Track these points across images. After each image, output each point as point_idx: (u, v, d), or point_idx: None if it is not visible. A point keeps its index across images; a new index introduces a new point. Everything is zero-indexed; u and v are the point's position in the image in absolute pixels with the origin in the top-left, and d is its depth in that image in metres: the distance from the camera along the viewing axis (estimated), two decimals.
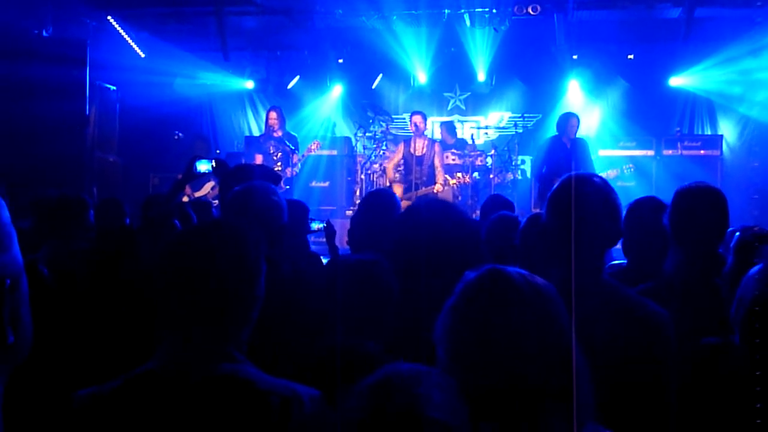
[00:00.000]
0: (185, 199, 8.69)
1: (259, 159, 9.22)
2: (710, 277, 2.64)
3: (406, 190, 9.41)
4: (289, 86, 12.68)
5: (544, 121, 12.13)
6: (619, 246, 3.40)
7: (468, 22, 10.76)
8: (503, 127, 12.30)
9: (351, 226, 3.81)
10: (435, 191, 9.23)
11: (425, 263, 2.20)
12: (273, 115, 9.81)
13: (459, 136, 11.59)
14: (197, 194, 9.50)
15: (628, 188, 9.69)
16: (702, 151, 10.46)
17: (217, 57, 11.49)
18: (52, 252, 2.90)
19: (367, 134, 11.12)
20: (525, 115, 11.63)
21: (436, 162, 9.51)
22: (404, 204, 4.46)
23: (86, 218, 3.78)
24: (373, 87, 12.71)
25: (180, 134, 10.54)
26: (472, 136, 11.81)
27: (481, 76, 12.00)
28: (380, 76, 12.61)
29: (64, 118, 8.31)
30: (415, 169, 9.45)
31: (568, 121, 9.14)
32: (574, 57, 11.36)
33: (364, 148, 11.16)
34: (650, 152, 10.69)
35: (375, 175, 10.72)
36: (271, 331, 2.17)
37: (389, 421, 1.23)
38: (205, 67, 11.93)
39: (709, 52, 10.42)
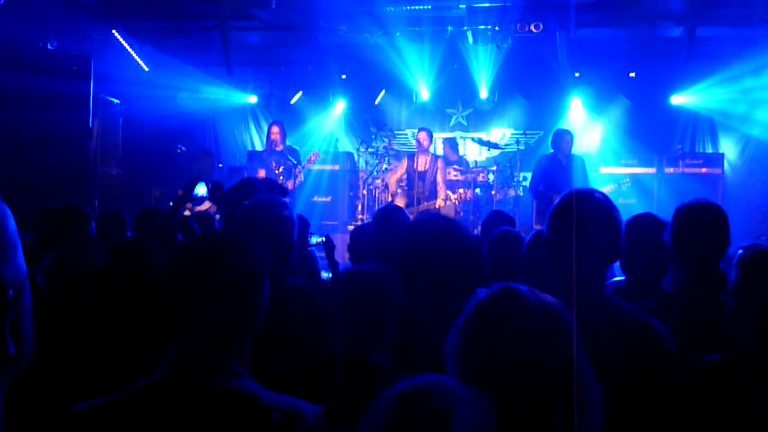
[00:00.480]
0: (186, 213, 8.70)
1: (261, 173, 9.25)
2: (711, 294, 2.64)
3: (408, 205, 9.42)
4: (292, 101, 12.71)
5: (546, 138, 12.12)
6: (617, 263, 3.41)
7: (471, 39, 10.81)
8: (505, 144, 12.31)
9: (358, 237, 3.82)
10: (436, 206, 9.25)
11: (426, 277, 2.20)
12: (275, 129, 9.87)
13: (461, 153, 11.62)
14: (198, 208, 9.50)
15: (629, 205, 9.69)
16: (703, 169, 10.48)
17: (221, 71, 11.55)
18: (53, 263, 2.90)
19: (369, 150, 11.13)
20: (527, 131, 11.65)
21: (438, 178, 9.55)
22: None
23: (88, 230, 3.79)
24: (376, 103, 12.74)
25: (183, 148, 10.55)
26: (481, 139, 11.70)
27: (484, 93, 12.03)
28: (383, 92, 12.64)
29: (67, 130, 8.33)
30: (418, 184, 9.48)
31: (562, 138, 9.21)
32: (576, 74, 11.39)
33: (366, 164, 11.17)
34: (652, 170, 10.72)
35: (377, 191, 10.73)
36: (277, 346, 2.17)
37: None
38: (209, 82, 11.98)
39: (710, 71, 10.45)
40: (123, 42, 10.67)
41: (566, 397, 1.44)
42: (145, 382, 1.67)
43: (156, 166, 11.08)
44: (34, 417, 2.22)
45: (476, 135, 12.62)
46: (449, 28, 10.60)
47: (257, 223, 2.74)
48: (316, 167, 10.73)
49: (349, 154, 11.70)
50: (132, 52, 10.88)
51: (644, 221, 3.18)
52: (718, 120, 11.54)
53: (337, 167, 11.33)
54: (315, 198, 11.06)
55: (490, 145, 11.25)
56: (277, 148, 9.76)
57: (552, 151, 9.38)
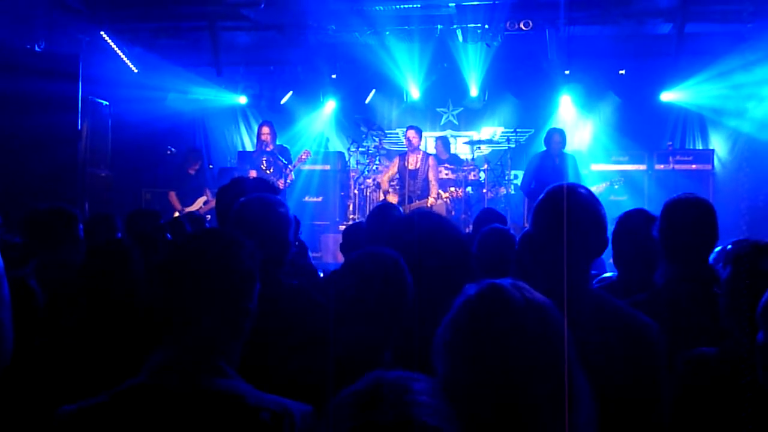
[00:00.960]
0: (176, 215, 8.68)
1: (252, 174, 9.22)
2: (700, 289, 2.64)
3: (399, 203, 9.42)
4: (282, 101, 12.69)
5: (537, 136, 12.15)
6: (611, 260, 3.41)
7: (460, 38, 10.80)
8: (496, 142, 12.32)
9: (351, 236, 3.81)
10: (428, 204, 9.26)
11: (415, 274, 2.18)
12: (265, 129, 9.85)
13: (452, 151, 11.63)
14: (188, 209, 9.48)
15: (620, 202, 9.73)
16: (693, 166, 10.52)
17: (211, 72, 11.52)
18: (41, 265, 2.88)
19: (360, 149, 11.12)
20: (517, 130, 11.66)
21: (431, 176, 9.56)
22: None
23: (75, 232, 3.76)
24: (366, 102, 12.72)
25: (172, 149, 10.52)
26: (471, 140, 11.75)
27: (474, 92, 12.02)
28: (373, 91, 12.62)
29: (56, 132, 8.27)
30: (409, 183, 9.49)
31: (553, 136, 9.25)
32: (566, 72, 11.40)
33: (357, 163, 11.16)
34: (642, 167, 10.74)
35: (368, 190, 10.73)
36: (273, 348, 2.15)
37: (383, 429, 1.21)
38: (198, 83, 11.93)
39: (700, 67, 10.48)
40: (112, 43, 10.62)
41: (555, 392, 1.44)
42: (131, 383, 1.65)
43: (146, 167, 11.05)
44: (17, 419, 2.20)
45: (468, 134, 12.66)
46: (439, 26, 10.60)
47: (253, 222, 2.69)
48: (306, 167, 10.72)
49: (340, 154, 11.68)
50: (121, 54, 10.83)
51: (636, 217, 3.18)
52: (708, 116, 11.57)
53: (328, 167, 11.32)
54: (306, 198, 11.03)
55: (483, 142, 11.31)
56: (268, 149, 9.75)
57: (544, 149, 9.39)
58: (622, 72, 11.36)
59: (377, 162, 11.04)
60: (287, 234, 2.79)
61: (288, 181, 9.68)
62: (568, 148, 9.66)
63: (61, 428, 1.65)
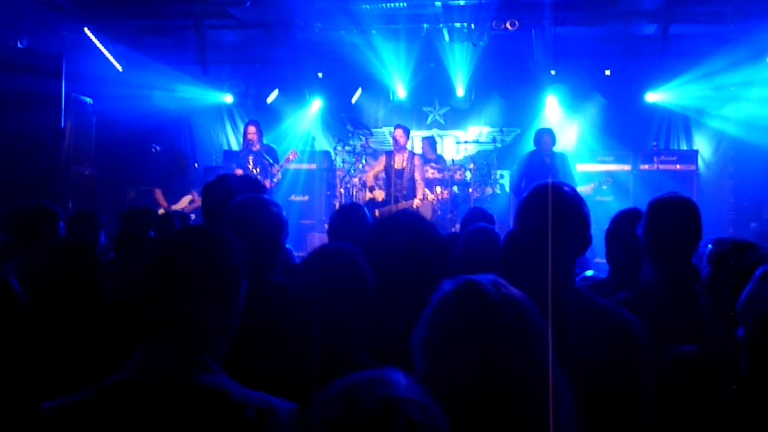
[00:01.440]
0: (161, 212, 8.64)
1: (238, 173, 9.19)
2: (684, 286, 2.65)
3: (385, 202, 9.42)
4: (269, 100, 12.65)
5: (523, 136, 12.22)
6: (596, 259, 3.42)
7: (447, 37, 10.83)
8: (482, 142, 12.34)
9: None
10: (414, 206, 9.26)
11: (393, 274, 2.18)
12: (251, 129, 9.82)
13: (439, 151, 11.65)
14: (174, 207, 9.44)
15: (606, 203, 9.77)
16: (678, 166, 10.59)
17: (196, 70, 11.47)
18: (21, 263, 2.85)
19: (346, 148, 11.11)
20: (503, 129, 11.69)
21: (417, 175, 9.56)
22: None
23: (56, 229, 3.73)
24: (353, 101, 12.71)
25: (157, 147, 10.46)
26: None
27: (460, 91, 12.05)
28: (359, 90, 12.62)
29: (39, 130, 8.20)
30: (395, 182, 9.48)
31: (542, 136, 9.30)
32: (552, 72, 11.45)
33: (343, 162, 11.15)
34: (627, 167, 10.80)
35: (354, 189, 10.72)
36: (260, 345, 2.14)
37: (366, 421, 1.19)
38: (184, 81, 11.87)
39: (684, 68, 10.54)
40: (96, 41, 10.56)
41: (533, 387, 1.44)
42: (115, 378, 1.64)
43: (130, 165, 10.97)
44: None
45: (454, 134, 12.69)
46: (425, 25, 10.61)
47: (246, 221, 2.68)
48: (293, 166, 10.70)
49: (326, 153, 11.67)
50: (105, 52, 10.77)
51: (629, 216, 3.19)
52: (693, 117, 11.66)
53: (314, 166, 11.31)
54: (292, 197, 11.01)
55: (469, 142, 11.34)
56: (254, 148, 9.72)
57: (534, 149, 9.43)
58: (608, 72, 11.42)
59: (363, 161, 11.04)
60: (280, 234, 2.79)
61: (275, 180, 9.66)
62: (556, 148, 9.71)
63: (44, 424, 1.63)
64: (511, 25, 9.93)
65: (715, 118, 11.25)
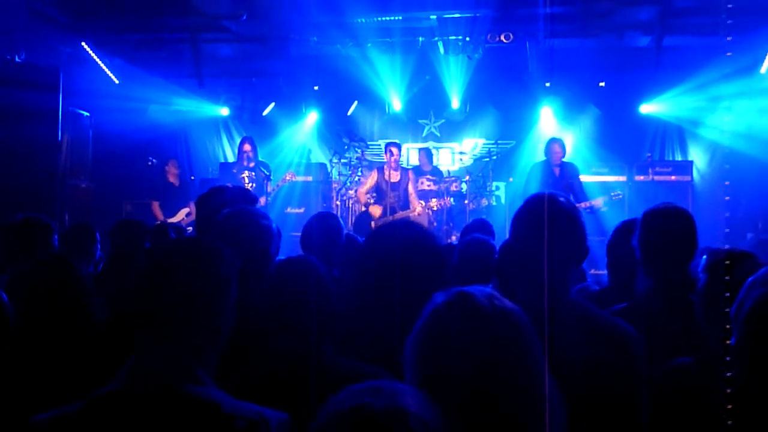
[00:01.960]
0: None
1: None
2: (680, 297, 2.65)
3: (383, 215, 9.43)
4: (265, 113, 12.67)
5: (518, 148, 12.25)
6: (592, 270, 3.43)
7: (442, 50, 10.86)
8: (477, 154, 12.37)
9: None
10: (417, 213, 9.27)
11: (389, 285, 2.18)
12: (246, 147, 9.83)
13: (435, 163, 11.68)
14: (171, 221, 9.43)
15: (601, 214, 9.76)
16: (673, 177, 10.60)
17: (192, 84, 11.49)
18: (13, 278, 2.84)
19: (342, 160, 11.13)
20: (499, 141, 11.72)
21: (410, 189, 9.58)
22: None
23: (50, 243, 3.73)
24: (349, 114, 12.74)
25: (154, 160, 10.46)
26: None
27: (456, 103, 12.08)
28: (355, 103, 12.65)
29: (36, 143, 8.20)
30: (390, 194, 9.48)
31: (552, 146, 9.29)
32: (547, 84, 11.48)
33: (339, 175, 11.17)
34: (622, 178, 10.80)
35: (350, 201, 10.74)
36: (248, 355, 2.15)
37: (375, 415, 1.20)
38: (180, 94, 11.89)
39: (679, 80, 10.58)
40: (93, 55, 10.58)
41: (526, 399, 1.44)
42: (105, 390, 1.64)
43: (127, 178, 10.97)
44: None
45: (449, 146, 12.72)
46: (420, 38, 10.65)
47: (235, 233, 2.71)
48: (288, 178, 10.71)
49: (322, 165, 11.68)
50: (102, 65, 10.79)
51: (629, 228, 3.19)
52: (687, 128, 11.69)
53: (310, 178, 11.30)
54: (288, 209, 11.00)
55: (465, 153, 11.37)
56: (250, 165, 9.75)
57: (544, 158, 9.43)
58: (602, 84, 11.46)
59: (359, 173, 11.06)
60: (269, 246, 2.81)
61: (269, 199, 9.67)
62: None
63: None
64: (505, 37, 9.98)
65: (709, 129, 11.28)
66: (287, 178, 9.80)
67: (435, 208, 9.67)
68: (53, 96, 8.45)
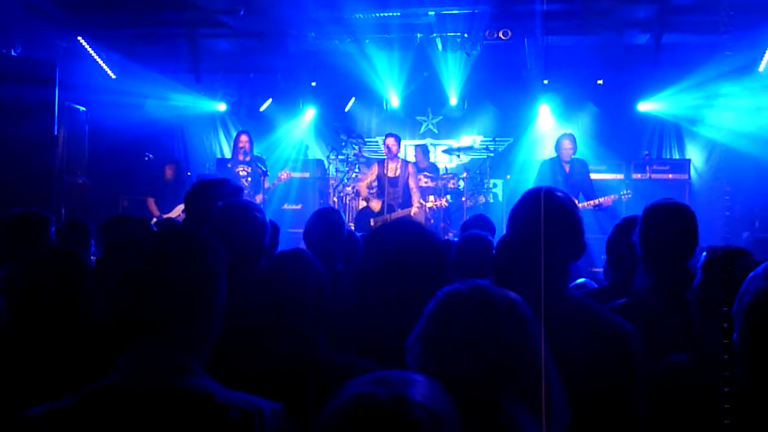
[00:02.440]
0: (153, 221, 8.61)
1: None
2: (679, 294, 2.65)
3: (381, 211, 9.42)
4: (262, 109, 12.65)
5: (515, 145, 12.25)
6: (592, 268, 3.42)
7: (440, 47, 10.85)
8: (475, 150, 12.35)
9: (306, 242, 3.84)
10: (412, 213, 9.26)
11: (390, 282, 2.18)
12: (243, 138, 9.83)
13: (432, 159, 11.67)
14: (167, 216, 9.41)
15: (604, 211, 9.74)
16: (670, 175, 10.60)
17: (189, 79, 11.47)
18: (10, 272, 2.83)
19: (339, 157, 11.12)
20: (496, 138, 11.71)
21: (411, 183, 9.57)
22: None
23: (47, 236, 3.71)
24: (346, 110, 12.73)
25: (150, 156, 10.44)
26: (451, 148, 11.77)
27: (453, 100, 12.08)
28: (353, 99, 12.64)
29: (32, 138, 8.18)
30: (389, 190, 9.48)
31: (562, 142, 9.28)
32: (545, 82, 11.47)
33: (336, 171, 11.15)
34: (620, 176, 10.81)
35: (348, 198, 10.72)
36: (243, 347, 2.14)
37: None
38: (177, 89, 11.86)
39: (676, 78, 10.58)
40: (89, 49, 10.55)
41: (530, 388, 1.46)
42: (99, 384, 1.63)
43: (123, 174, 10.95)
44: None
45: (447, 142, 12.71)
46: (418, 35, 10.62)
47: (230, 225, 2.71)
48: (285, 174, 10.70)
49: (320, 162, 11.66)
50: (99, 60, 10.76)
51: (630, 224, 3.19)
52: (685, 126, 11.69)
53: (307, 175, 11.28)
54: (285, 206, 10.97)
55: (462, 150, 11.37)
56: (246, 158, 9.73)
57: (555, 155, 9.42)
58: (600, 82, 11.45)
59: (357, 170, 11.05)
60: (263, 238, 2.81)
61: (265, 196, 9.65)
62: (547, 156, 9.71)
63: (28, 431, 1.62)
64: (504, 34, 9.96)
65: (707, 128, 11.28)
66: (282, 177, 9.79)
67: (432, 207, 9.65)
68: (49, 90, 8.43)
